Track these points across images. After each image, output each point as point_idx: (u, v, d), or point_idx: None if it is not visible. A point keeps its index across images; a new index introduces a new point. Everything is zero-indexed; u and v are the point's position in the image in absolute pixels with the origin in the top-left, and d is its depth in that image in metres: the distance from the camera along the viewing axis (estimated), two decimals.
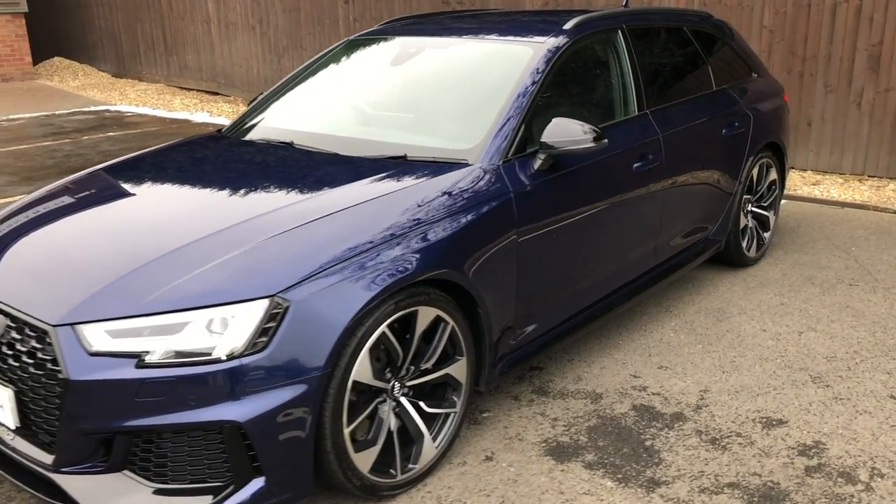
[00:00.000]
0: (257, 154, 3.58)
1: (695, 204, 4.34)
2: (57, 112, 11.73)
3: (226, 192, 3.10)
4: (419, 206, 2.90)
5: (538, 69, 3.50)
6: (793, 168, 7.52)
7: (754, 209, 5.01)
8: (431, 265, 2.76)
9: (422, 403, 2.88)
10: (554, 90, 3.63)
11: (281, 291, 2.44)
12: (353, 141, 3.47)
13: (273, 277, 2.47)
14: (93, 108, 12.04)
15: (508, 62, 3.59)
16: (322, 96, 3.98)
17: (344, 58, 4.14)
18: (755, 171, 4.84)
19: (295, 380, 2.43)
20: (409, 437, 2.86)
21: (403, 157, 3.25)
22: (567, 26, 3.77)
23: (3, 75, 14.45)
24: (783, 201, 6.39)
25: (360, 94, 3.97)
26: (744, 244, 4.87)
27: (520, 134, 3.28)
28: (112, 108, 12.15)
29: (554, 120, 3.28)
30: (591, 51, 3.93)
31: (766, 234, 5.11)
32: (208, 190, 3.17)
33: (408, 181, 3.03)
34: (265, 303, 2.41)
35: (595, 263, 3.64)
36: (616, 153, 3.66)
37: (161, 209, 3.07)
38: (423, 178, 3.05)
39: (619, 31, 4.01)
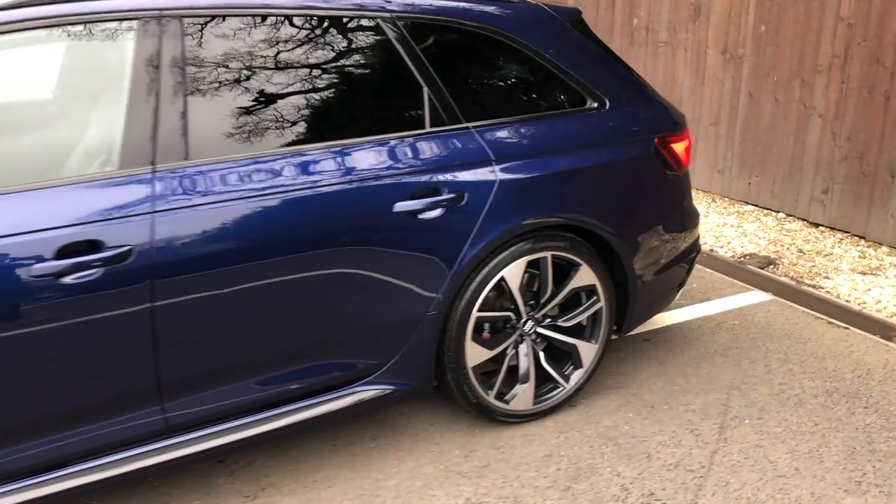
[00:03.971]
0: None
1: (297, 330, 2.48)
2: None
3: None
4: None
5: None
6: (862, 238, 4.91)
7: (541, 331, 2.96)
8: None
9: None
10: None
11: None
12: None
13: None
14: None
15: None
16: None
17: None
18: (510, 275, 2.79)
19: None
20: None
21: None
22: None
23: None
24: (768, 296, 4.02)
25: None
26: (490, 393, 2.88)
27: None
28: None
29: None
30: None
31: (574, 375, 3.04)
32: None
33: None
34: None
35: None
36: None
37: None
38: None
39: (133, 30, 2.29)
